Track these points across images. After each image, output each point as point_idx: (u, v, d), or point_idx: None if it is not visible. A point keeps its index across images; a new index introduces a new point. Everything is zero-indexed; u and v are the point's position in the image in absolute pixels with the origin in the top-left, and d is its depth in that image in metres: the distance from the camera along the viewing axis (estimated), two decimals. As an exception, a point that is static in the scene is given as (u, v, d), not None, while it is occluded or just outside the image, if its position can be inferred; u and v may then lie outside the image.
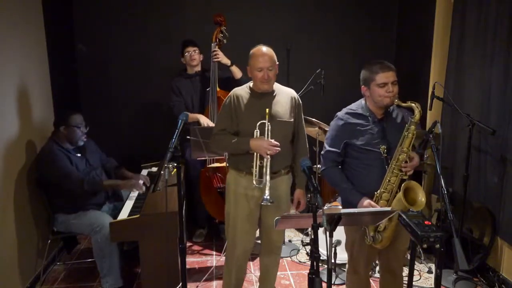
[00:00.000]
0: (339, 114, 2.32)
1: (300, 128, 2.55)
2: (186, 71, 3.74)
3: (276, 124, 2.38)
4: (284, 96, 2.47)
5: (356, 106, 2.32)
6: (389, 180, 2.15)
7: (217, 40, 3.49)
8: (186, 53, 3.63)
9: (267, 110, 2.34)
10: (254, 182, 2.35)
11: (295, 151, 2.56)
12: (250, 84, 2.48)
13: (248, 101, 2.42)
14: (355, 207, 2.20)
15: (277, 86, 2.49)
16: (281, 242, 2.73)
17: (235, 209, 2.49)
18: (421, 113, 2.11)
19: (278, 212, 2.43)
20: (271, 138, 2.34)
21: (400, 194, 2.05)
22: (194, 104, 3.69)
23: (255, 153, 2.36)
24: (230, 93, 2.50)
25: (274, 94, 2.45)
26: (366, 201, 2.17)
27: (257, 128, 2.36)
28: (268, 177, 2.31)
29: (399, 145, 2.14)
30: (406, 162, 2.13)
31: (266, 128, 2.34)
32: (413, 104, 2.11)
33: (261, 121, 2.35)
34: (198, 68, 3.71)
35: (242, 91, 2.47)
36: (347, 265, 2.50)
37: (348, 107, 2.34)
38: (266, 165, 2.33)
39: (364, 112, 2.26)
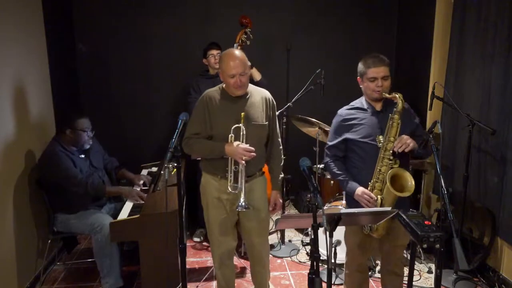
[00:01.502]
0: (339, 110, 2.41)
1: (274, 130, 2.50)
2: (208, 71, 3.76)
3: (251, 128, 2.32)
4: (258, 98, 2.41)
5: (356, 101, 2.40)
6: (379, 170, 2.21)
7: (240, 41, 3.51)
8: (210, 56, 3.66)
9: (242, 114, 2.28)
10: (229, 188, 2.31)
11: (269, 153, 2.53)
12: (223, 85, 2.40)
13: (221, 104, 2.35)
14: (352, 197, 2.29)
15: (250, 88, 2.41)
16: (264, 243, 2.61)
17: (212, 213, 2.45)
18: (403, 102, 2.17)
19: (257, 214, 2.44)
20: (246, 142, 2.28)
21: (387, 184, 2.12)
22: None
23: (229, 158, 2.30)
24: (202, 95, 2.41)
25: (248, 96, 2.38)
26: (360, 189, 2.25)
27: (231, 133, 2.29)
28: (243, 183, 2.27)
29: (385, 135, 2.20)
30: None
31: (241, 133, 2.28)
32: (396, 95, 2.18)
33: (236, 125, 2.29)
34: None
35: (215, 93, 2.38)
36: (345, 266, 2.53)
37: (350, 103, 2.42)
38: (241, 170, 2.27)
39: (363, 105, 2.33)
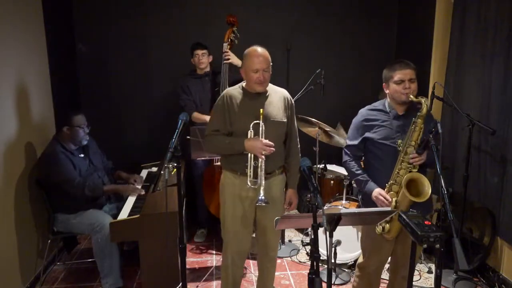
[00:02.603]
0: (361, 110, 2.42)
1: (292, 129, 2.55)
2: (196, 71, 3.77)
3: (269, 125, 2.36)
4: (277, 97, 2.46)
5: (379, 103, 2.40)
6: (398, 172, 2.21)
7: (229, 40, 3.51)
8: (195, 56, 3.67)
9: (261, 110, 2.32)
10: (249, 183, 2.34)
11: (287, 152, 2.56)
12: (243, 84, 2.45)
13: (241, 101, 2.40)
14: (370, 197, 2.29)
15: (270, 86, 2.48)
16: (277, 242, 2.70)
17: (230, 210, 2.47)
18: (427, 107, 2.16)
19: (274, 212, 2.43)
20: (265, 139, 2.32)
21: (403, 189, 2.10)
22: (203, 103, 3.69)
23: (249, 154, 2.34)
24: (222, 93, 2.47)
25: (267, 94, 2.44)
26: (377, 191, 2.25)
27: (251, 129, 2.34)
28: (263, 178, 2.30)
29: (406, 138, 2.19)
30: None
31: (260, 129, 2.32)
32: (422, 99, 2.17)
33: (255, 122, 2.34)
34: (207, 69, 3.74)
35: (235, 91, 2.44)
36: (356, 268, 2.52)
37: (372, 104, 2.43)
38: (261, 165, 2.31)
39: (385, 108, 2.34)
